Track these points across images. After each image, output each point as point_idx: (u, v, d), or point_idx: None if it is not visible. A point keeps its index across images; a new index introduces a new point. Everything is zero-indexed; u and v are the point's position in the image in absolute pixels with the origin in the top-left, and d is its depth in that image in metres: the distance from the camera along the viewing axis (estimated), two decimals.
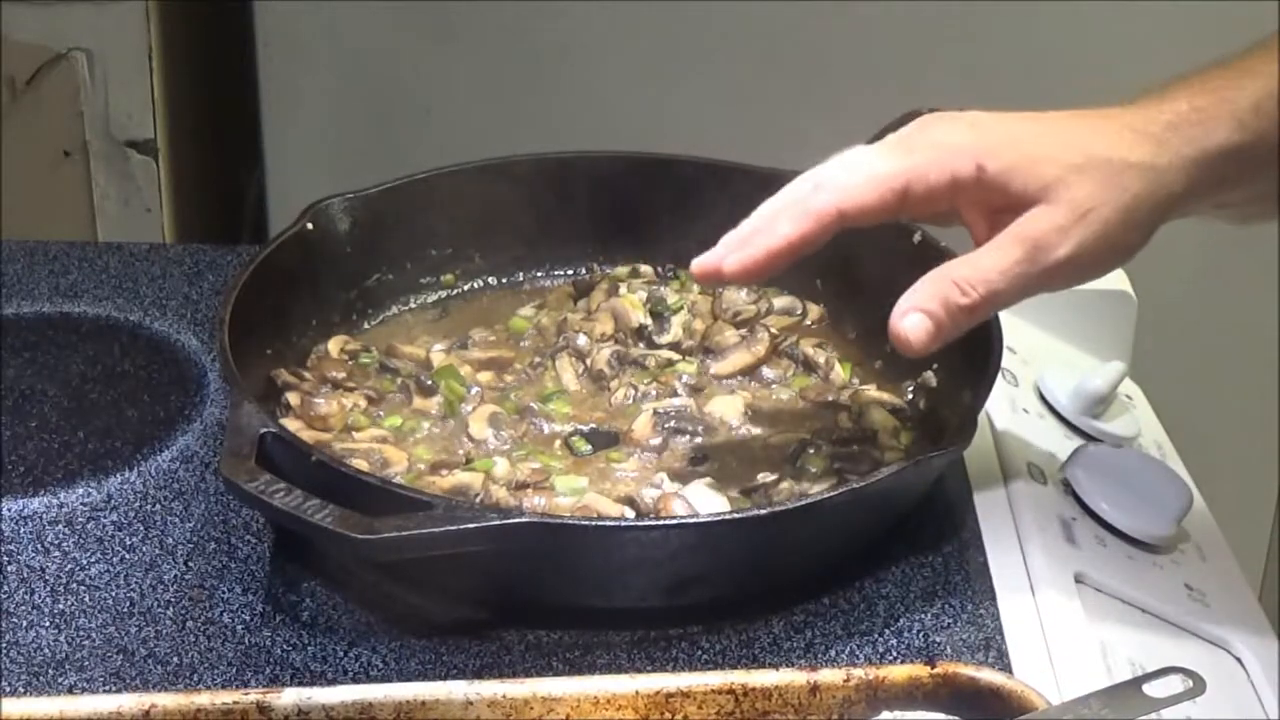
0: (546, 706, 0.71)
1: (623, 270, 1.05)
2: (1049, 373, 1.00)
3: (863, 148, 0.81)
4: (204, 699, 0.71)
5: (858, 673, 0.72)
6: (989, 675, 0.71)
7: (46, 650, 0.78)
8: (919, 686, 0.71)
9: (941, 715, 0.71)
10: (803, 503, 0.82)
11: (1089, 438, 0.96)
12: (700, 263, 0.81)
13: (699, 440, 0.91)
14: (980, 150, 0.79)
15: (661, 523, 0.82)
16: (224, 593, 0.82)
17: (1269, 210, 0.84)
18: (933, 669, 0.72)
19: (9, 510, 0.87)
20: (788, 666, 0.74)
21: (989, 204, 0.80)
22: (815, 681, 0.72)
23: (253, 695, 0.71)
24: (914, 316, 0.78)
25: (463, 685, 0.72)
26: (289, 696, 0.71)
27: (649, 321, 1.00)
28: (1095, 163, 0.78)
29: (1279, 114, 0.79)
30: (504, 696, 0.71)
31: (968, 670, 0.72)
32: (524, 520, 0.77)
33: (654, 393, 0.95)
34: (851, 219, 0.79)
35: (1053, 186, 0.78)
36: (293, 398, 0.92)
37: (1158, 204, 0.79)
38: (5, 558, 0.84)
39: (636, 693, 0.72)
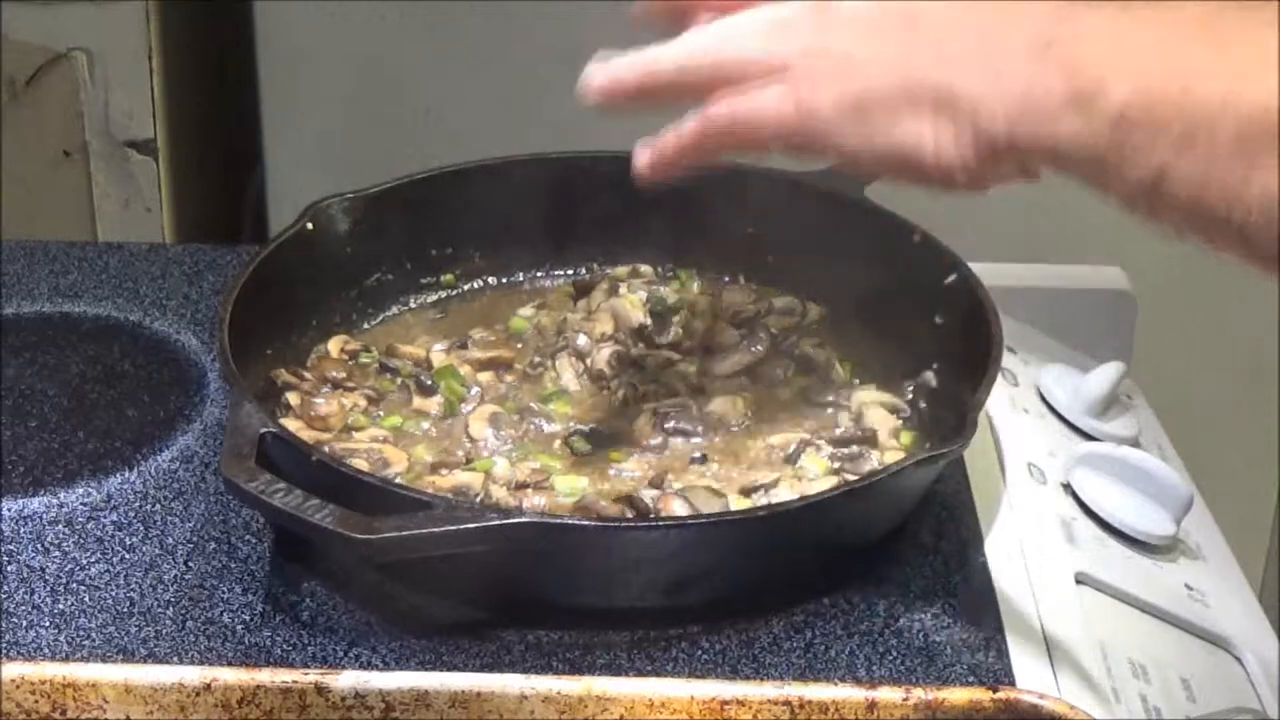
0: (600, 705, 0.72)
1: (623, 270, 1.05)
2: (1049, 373, 1.00)
3: None
4: (264, 676, 0.72)
5: (917, 692, 0.72)
6: (1052, 703, 0.71)
7: (46, 650, 0.78)
8: (979, 710, 0.71)
9: None
10: (803, 503, 0.82)
11: (1089, 438, 0.96)
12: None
13: (699, 440, 0.91)
14: None
15: (661, 523, 0.82)
16: (224, 593, 0.82)
17: None
18: (994, 694, 0.71)
19: (9, 510, 0.87)
20: (847, 681, 0.75)
21: None
22: (874, 699, 0.72)
23: (312, 675, 0.72)
24: None
25: (519, 679, 0.72)
26: (346, 679, 0.72)
27: (649, 321, 1.00)
28: None
29: None
30: (559, 693, 0.72)
31: (1030, 697, 0.71)
32: (524, 520, 0.77)
33: (654, 392, 0.95)
34: None
35: None
36: (293, 398, 0.92)
37: None
38: (5, 558, 0.84)
39: (692, 698, 0.72)
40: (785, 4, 0.77)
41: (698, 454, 0.90)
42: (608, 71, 0.80)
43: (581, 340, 0.98)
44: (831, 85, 0.74)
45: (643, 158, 0.81)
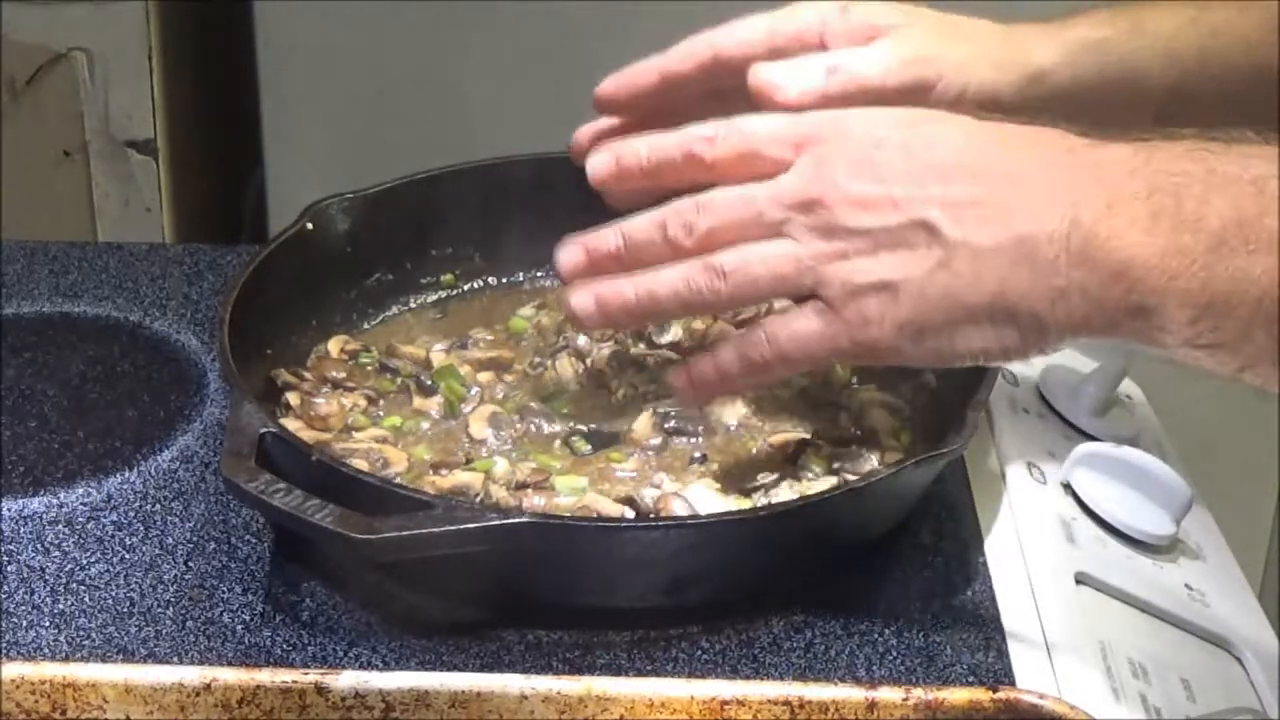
0: (601, 705, 0.72)
1: None
2: (1049, 373, 1.00)
3: None
4: (264, 676, 0.72)
5: (917, 692, 0.72)
6: (1052, 703, 0.71)
7: (46, 650, 0.78)
8: (979, 710, 0.71)
9: None
10: (803, 503, 0.82)
11: (1089, 438, 0.96)
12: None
13: (699, 440, 0.91)
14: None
15: (661, 523, 0.82)
16: (224, 593, 0.82)
17: None
18: (994, 694, 0.71)
19: (9, 510, 0.87)
20: (847, 681, 0.75)
21: (853, 36, 0.87)
22: (874, 699, 0.72)
23: (312, 675, 0.73)
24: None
25: (519, 679, 0.72)
26: (346, 679, 0.72)
27: None
28: None
29: None
30: (559, 693, 0.72)
31: (1030, 697, 0.71)
32: (524, 520, 0.77)
33: (654, 392, 0.95)
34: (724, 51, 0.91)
35: None
36: (293, 398, 0.92)
37: None
38: (5, 558, 0.84)
39: (692, 698, 0.72)
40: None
41: (698, 454, 0.90)
42: (616, 156, 0.83)
43: (581, 340, 0.98)
44: (879, 313, 0.74)
45: (680, 383, 0.82)
